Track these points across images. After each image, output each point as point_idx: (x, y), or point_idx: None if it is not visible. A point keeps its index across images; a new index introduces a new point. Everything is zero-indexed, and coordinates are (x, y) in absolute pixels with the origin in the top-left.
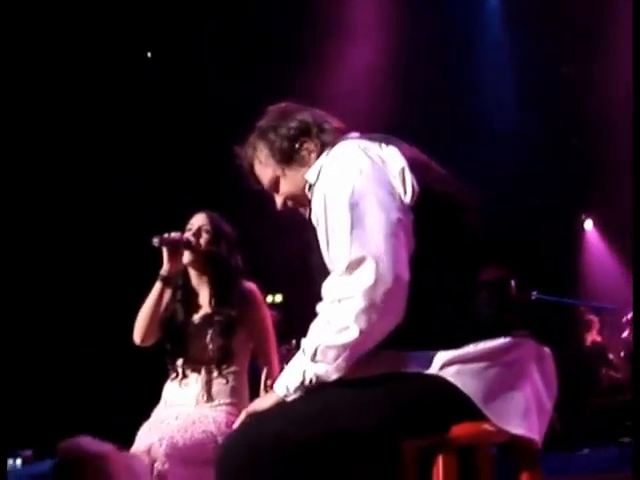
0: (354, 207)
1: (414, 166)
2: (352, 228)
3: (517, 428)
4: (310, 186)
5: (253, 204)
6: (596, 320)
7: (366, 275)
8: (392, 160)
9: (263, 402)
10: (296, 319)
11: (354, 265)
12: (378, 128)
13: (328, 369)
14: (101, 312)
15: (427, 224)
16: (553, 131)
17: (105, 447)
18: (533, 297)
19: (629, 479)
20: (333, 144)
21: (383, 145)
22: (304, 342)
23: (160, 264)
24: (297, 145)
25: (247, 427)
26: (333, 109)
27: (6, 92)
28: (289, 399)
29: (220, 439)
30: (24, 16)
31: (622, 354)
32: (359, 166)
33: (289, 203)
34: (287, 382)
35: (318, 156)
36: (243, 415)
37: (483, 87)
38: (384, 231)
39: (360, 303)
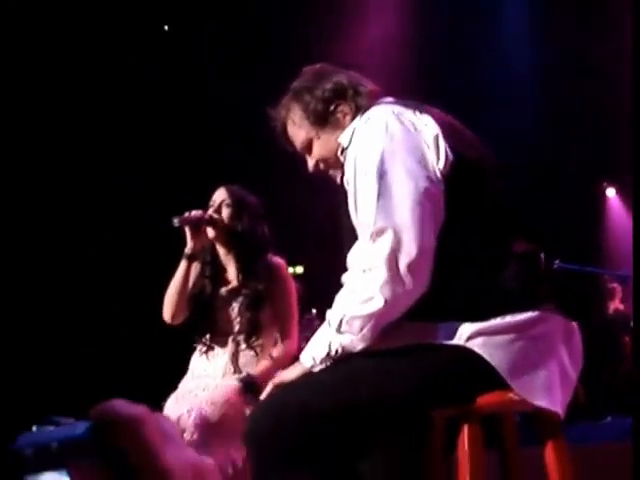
0: (382, 175)
1: (448, 133)
2: (378, 196)
3: (540, 400)
4: (343, 149)
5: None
6: (619, 288)
7: (388, 245)
8: (426, 127)
9: (290, 373)
10: (317, 291)
11: (378, 234)
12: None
13: (353, 339)
14: (128, 290)
15: (459, 193)
16: (571, 100)
17: (138, 409)
18: (555, 266)
19: None
20: (367, 107)
21: (417, 112)
22: (329, 313)
23: (184, 242)
24: (332, 107)
25: (273, 398)
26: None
27: (5, 91)
28: (315, 370)
29: (247, 410)
30: (23, 15)
31: None
32: (391, 132)
33: (321, 166)
34: (313, 353)
35: (352, 119)
36: (270, 386)
37: (500, 57)
38: (410, 201)
39: (384, 273)
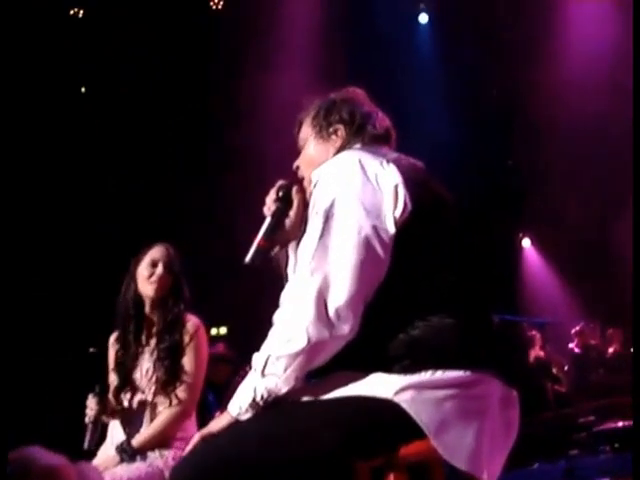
0: (329, 218)
1: (410, 183)
2: (320, 237)
3: (463, 464)
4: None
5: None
6: (538, 336)
7: (317, 287)
8: (388, 177)
9: (217, 424)
10: (241, 351)
11: (312, 273)
12: None
13: (278, 382)
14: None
15: (414, 240)
16: (489, 152)
17: (56, 459)
18: None
19: None
20: (352, 144)
21: (384, 162)
22: (254, 357)
23: None
24: (332, 127)
25: (197, 449)
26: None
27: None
28: (242, 418)
29: (167, 473)
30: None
31: (566, 368)
32: (349, 179)
33: (301, 172)
34: (239, 401)
35: (342, 145)
36: (196, 438)
37: (415, 106)
38: (349, 247)
39: (310, 313)
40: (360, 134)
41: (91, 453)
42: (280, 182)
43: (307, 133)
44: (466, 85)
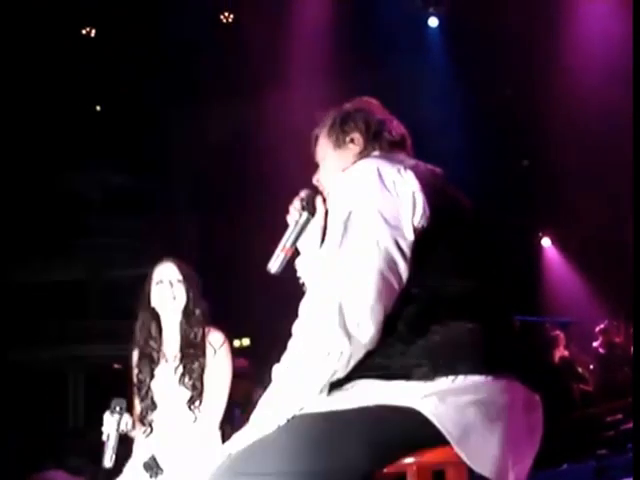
0: (347, 229)
1: (428, 189)
2: (339, 247)
3: (488, 472)
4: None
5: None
6: (562, 335)
7: (338, 299)
8: (405, 184)
9: (239, 438)
10: (264, 361)
11: (330, 285)
12: None
13: (301, 397)
14: None
15: (431, 247)
16: (504, 153)
17: None
18: None
19: None
20: (370, 151)
21: (401, 169)
22: (274, 370)
23: None
24: (349, 136)
25: (221, 466)
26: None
27: None
28: (266, 431)
29: None
30: None
31: (591, 367)
32: (366, 188)
33: (320, 185)
34: (264, 415)
35: (359, 154)
36: (219, 453)
37: (428, 111)
38: (367, 258)
39: (331, 325)
40: (377, 141)
41: (118, 471)
42: (304, 191)
43: (324, 144)
44: (479, 86)
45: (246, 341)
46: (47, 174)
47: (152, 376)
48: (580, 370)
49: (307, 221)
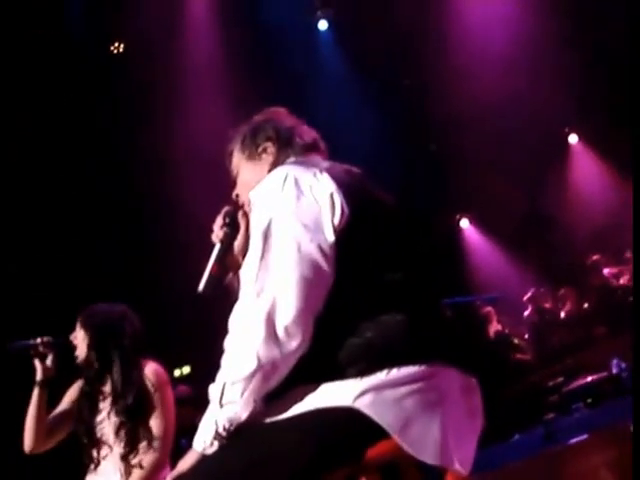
0: (267, 238)
1: (345, 189)
2: (261, 258)
3: (432, 459)
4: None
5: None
6: (493, 311)
7: (265, 307)
8: (321, 187)
9: (185, 462)
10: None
11: (257, 295)
12: None
13: (237, 409)
14: None
15: (355, 244)
16: (409, 140)
17: None
18: None
19: (562, 451)
20: (284, 158)
21: (317, 172)
22: (210, 388)
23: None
24: (260, 147)
25: None
26: None
27: None
28: (208, 452)
29: None
30: None
31: (526, 336)
32: (283, 196)
33: (241, 198)
34: (202, 436)
35: (274, 162)
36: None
37: (332, 112)
38: (291, 264)
39: (260, 335)
40: (289, 147)
41: None
42: (225, 208)
43: (239, 159)
44: (376, 81)
45: (186, 369)
46: None
47: (93, 414)
48: (516, 341)
49: (231, 237)
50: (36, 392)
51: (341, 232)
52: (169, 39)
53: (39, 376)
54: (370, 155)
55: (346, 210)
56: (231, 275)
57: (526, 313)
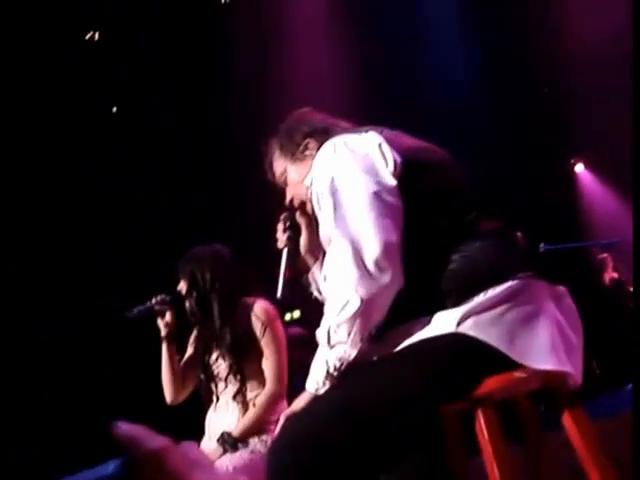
0: (334, 192)
1: (391, 141)
2: (334, 211)
3: (545, 364)
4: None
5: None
6: (609, 258)
7: (350, 250)
8: (369, 141)
9: (298, 403)
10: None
11: (340, 242)
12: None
13: (346, 348)
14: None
15: (416, 187)
16: (522, 83)
17: (161, 440)
18: (541, 249)
19: None
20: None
21: (362, 133)
22: (317, 333)
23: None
24: (302, 145)
25: (285, 429)
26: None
27: None
28: (321, 392)
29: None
30: None
31: None
32: (338, 155)
33: (295, 200)
34: (314, 377)
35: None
36: (282, 419)
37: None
38: (363, 206)
39: (353, 274)
40: (328, 135)
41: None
42: (283, 214)
43: (283, 164)
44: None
45: (296, 313)
46: None
47: (209, 355)
48: (632, 289)
49: (295, 240)
50: (164, 347)
51: (400, 177)
52: None
53: (163, 332)
54: (477, 95)
55: (397, 158)
56: (305, 277)
57: None
